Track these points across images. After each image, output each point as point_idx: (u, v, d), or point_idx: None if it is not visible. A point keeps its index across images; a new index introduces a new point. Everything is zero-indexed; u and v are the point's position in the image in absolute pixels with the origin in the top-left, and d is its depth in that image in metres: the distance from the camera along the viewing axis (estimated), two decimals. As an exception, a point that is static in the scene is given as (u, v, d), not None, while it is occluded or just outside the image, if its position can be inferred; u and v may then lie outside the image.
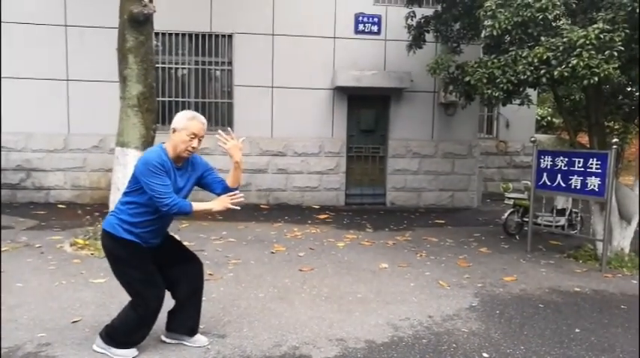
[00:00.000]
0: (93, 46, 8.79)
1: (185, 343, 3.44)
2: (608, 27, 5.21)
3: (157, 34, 8.03)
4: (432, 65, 7.02)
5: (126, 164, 6.00)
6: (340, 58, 9.69)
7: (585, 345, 3.72)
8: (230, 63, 9.53)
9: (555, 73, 5.30)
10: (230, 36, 9.45)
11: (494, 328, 3.99)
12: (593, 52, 5.13)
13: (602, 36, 5.12)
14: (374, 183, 10.16)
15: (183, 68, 9.52)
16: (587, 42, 5.13)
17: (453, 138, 10.18)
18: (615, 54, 5.12)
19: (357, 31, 9.78)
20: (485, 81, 6.01)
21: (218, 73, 9.67)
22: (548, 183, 6.42)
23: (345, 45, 9.71)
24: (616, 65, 5.14)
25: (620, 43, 5.14)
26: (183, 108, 9.46)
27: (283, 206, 9.59)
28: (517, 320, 4.18)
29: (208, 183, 3.29)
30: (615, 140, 5.83)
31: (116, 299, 4.13)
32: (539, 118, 16.91)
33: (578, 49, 5.18)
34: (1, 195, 8.67)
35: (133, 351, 3.25)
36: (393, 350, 3.52)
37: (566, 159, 6.19)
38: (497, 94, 5.95)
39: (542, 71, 5.50)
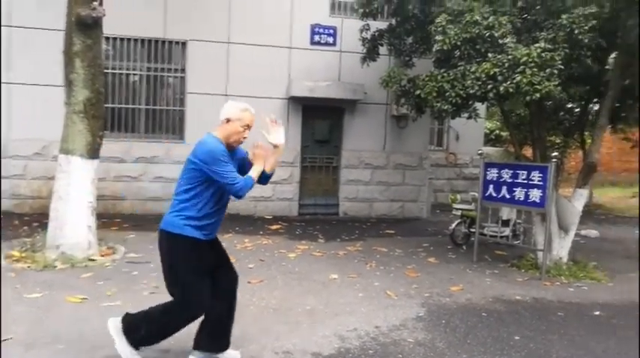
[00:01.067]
0: (37, 48, 8.44)
1: None
2: (549, 46, 5.48)
3: (107, 38, 7.78)
4: (384, 78, 7.14)
5: (69, 172, 5.78)
6: (295, 68, 9.72)
7: (524, 352, 3.84)
8: (183, 70, 9.37)
9: (501, 88, 5.50)
10: (184, 43, 9.30)
11: (439, 337, 4.06)
12: (535, 70, 5.37)
13: (543, 55, 5.36)
14: (327, 193, 10.20)
15: (134, 74, 9.27)
16: (530, 60, 5.37)
17: (404, 149, 10.37)
18: (555, 72, 5.37)
19: (312, 42, 9.84)
20: (435, 94, 6.17)
21: (170, 79, 9.49)
22: (494, 195, 6.63)
23: (301, 55, 9.75)
24: (556, 83, 5.40)
25: (559, 62, 5.40)
26: (133, 115, 9.23)
27: (235, 216, 9.46)
28: (461, 330, 4.27)
29: (247, 170, 3.22)
30: (555, 154, 6.10)
31: (52, 313, 3.94)
32: (488, 131, 17.52)
33: (522, 67, 5.41)
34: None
35: (135, 353, 3.11)
36: (339, 362, 3.52)
37: (511, 172, 6.42)
38: (446, 107, 6.12)
39: (490, 86, 5.70)
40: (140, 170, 9.14)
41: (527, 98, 5.40)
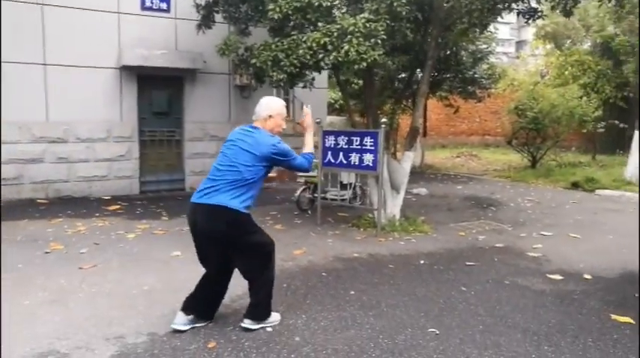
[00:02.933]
0: None
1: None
2: (372, 17, 5.77)
3: None
4: (221, 46, 6.94)
5: None
6: (126, 35, 8.98)
7: (358, 305, 4.12)
8: (-13, 34, 8.06)
9: (331, 57, 5.68)
10: (-16, 2, 7.98)
11: (279, 301, 4.14)
12: (361, 39, 5.63)
13: (368, 25, 5.64)
14: (171, 168, 9.77)
15: None
16: (356, 29, 5.61)
17: (249, 120, 10.24)
18: (379, 42, 5.70)
19: (143, 7, 9.17)
20: (270, 63, 6.16)
21: (-29, 45, 8.11)
22: (333, 161, 6.94)
23: (132, 21, 9.02)
24: (381, 52, 5.74)
25: (382, 32, 5.73)
26: None
27: (66, 199, 8.60)
28: (302, 291, 4.42)
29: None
30: (384, 120, 6.55)
31: None
32: (333, 101, 18.26)
33: (349, 36, 5.63)
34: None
35: (277, 315, 3.72)
36: (176, 339, 3.41)
37: (346, 138, 6.75)
38: (281, 77, 6.16)
39: (321, 55, 5.85)
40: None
41: (356, 67, 5.66)
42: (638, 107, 9.11)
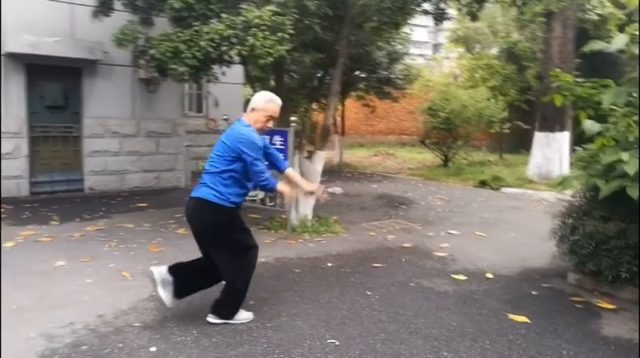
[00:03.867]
0: None
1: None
2: (280, 10, 5.52)
3: None
4: (117, 36, 6.37)
5: None
6: (10, 18, 8.05)
7: (257, 316, 3.85)
8: None
9: (234, 51, 5.36)
10: None
11: (170, 316, 3.79)
12: (267, 33, 5.36)
13: (275, 18, 5.38)
14: (68, 167, 8.95)
15: None
16: (262, 22, 5.33)
17: (156, 116, 9.71)
18: (287, 36, 5.46)
19: (32, -12, 8.27)
20: (169, 55, 5.72)
21: None
22: (241, 160, 6.61)
23: (15, 3, 8.09)
24: (288, 47, 5.50)
25: (290, 27, 5.50)
26: None
27: (-61, 202, 7.60)
28: (196, 303, 4.03)
29: (271, 159, 3.79)
30: (293, 118, 6.32)
31: None
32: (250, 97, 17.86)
33: (254, 29, 5.34)
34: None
35: (249, 314, 3.71)
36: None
37: (255, 137, 6.45)
38: (182, 70, 5.74)
39: (225, 48, 5.51)
40: None
41: (262, 61, 5.39)
42: (540, 111, 9.62)
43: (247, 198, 7.50)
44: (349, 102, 17.79)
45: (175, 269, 3.65)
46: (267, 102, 3.52)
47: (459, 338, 3.54)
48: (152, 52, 5.83)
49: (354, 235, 6.64)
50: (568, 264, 4.75)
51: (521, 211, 8.60)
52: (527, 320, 3.85)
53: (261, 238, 6.28)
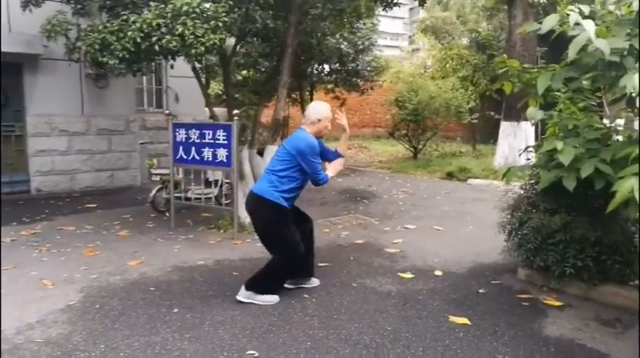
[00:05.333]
0: None
1: (304, 285, 4.27)
2: (213, -3, 5.19)
3: None
4: (45, 27, 5.96)
5: None
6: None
7: (177, 325, 3.56)
8: None
9: (164, 40, 5.01)
10: None
11: (81, 328, 3.48)
12: (198, 22, 5.02)
13: (206, 5, 5.05)
14: (12, 168, 8.50)
15: None
16: (192, 10, 4.99)
17: (107, 112, 9.29)
18: (220, 24, 5.13)
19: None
20: (97, 47, 5.35)
21: None
22: (185, 157, 6.28)
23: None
24: (222, 36, 5.17)
25: (224, 15, 5.17)
26: None
27: None
28: (115, 313, 3.76)
29: (323, 154, 4.13)
30: (236, 111, 6.00)
31: None
32: (220, 92, 17.39)
33: (184, 17, 5.00)
34: None
35: (276, 297, 3.97)
36: None
37: (198, 132, 6.12)
38: (112, 62, 5.37)
39: (155, 38, 5.16)
40: None
41: (193, 51, 5.05)
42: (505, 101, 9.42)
43: (202, 195, 7.23)
44: (321, 96, 17.46)
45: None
46: (329, 110, 4.05)
47: (390, 345, 3.28)
48: (79, 44, 5.44)
49: (306, 233, 6.35)
50: (518, 259, 4.53)
51: (484, 203, 8.40)
52: (468, 322, 3.62)
53: (207, 238, 6.00)
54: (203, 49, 4.99)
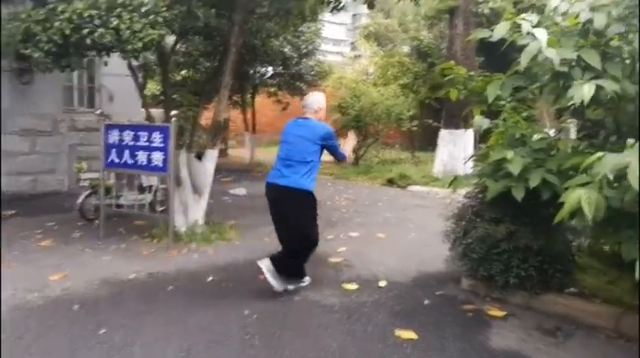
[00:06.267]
0: None
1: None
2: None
3: None
4: (-43, 14, 5.37)
5: None
6: None
7: (104, 347, 3.22)
8: None
9: (97, 34, 4.62)
10: None
11: (-11, 356, 3.07)
12: (136, 15, 4.68)
13: (144, -1, 4.71)
14: None
15: None
16: (129, 2, 4.64)
17: (31, 111, 8.58)
18: (160, 19, 4.80)
19: None
20: (20, 37, 4.87)
21: None
22: (117, 160, 5.87)
23: None
24: (162, 32, 4.85)
25: (164, 9, 4.85)
26: None
27: None
28: (31, 336, 3.36)
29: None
30: (174, 112, 5.67)
31: None
32: (156, 93, 16.68)
33: (120, 10, 4.64)
34: None
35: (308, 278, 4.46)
36: None
37: (132, 134, 5.73)
38: (37, 56, 4.90)
39: (86, 31, 4.74)
40: None
41: (130, 47, 4.69)
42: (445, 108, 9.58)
43: (134, 202, 6.78)
44: (264, 99, 17.20)
45: (275, 259, 4.19)
46: (325, 100, 4.46)
47: (335, 364, 3.12)
48: (-2, 34, 4.93)
49: (248, 242, 6.11)
50: (462, 268, 4.51)
51: (425, 209, 8.49)
52: (414, 336, 3.52)
53: (140, 249, 5.61)
54: (140, 45, 4.64)
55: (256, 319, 3.77)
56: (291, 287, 4.28)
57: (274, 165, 4.33)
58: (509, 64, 3.79)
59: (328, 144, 4.24)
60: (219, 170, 13.01)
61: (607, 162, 2.39)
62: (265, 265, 4.15)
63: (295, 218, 4.18)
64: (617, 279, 4.36)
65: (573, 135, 4.80)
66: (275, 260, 4.17)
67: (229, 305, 4.04)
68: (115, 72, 10.14)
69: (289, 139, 4.26)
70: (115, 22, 4.57)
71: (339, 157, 4.48)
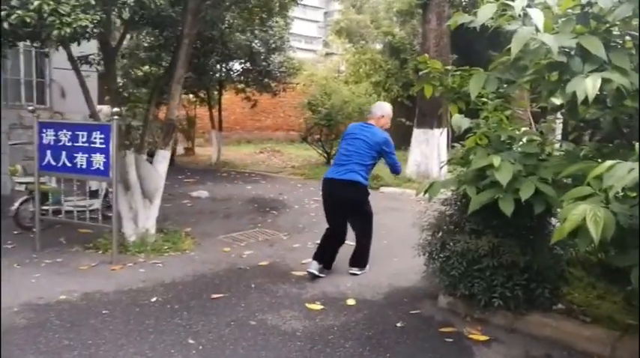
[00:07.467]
0: None
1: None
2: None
3: None
4: None
5: None
6: None
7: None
8: None
9: (14, 17, 3.96)
10: None
11: None
12: (64, -3, 4.03)
13: (74, -23, 4.07)
14: None
15: None
16: (54, -19, 3.99)
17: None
18: (93, 2, 4.17)
19: None
20: None
21: None
22: (53, 163, 5.19)
23: None
24: (97, 17, 4.21)
25: (100, -9, 4.22)
26: None
27: None
28: None
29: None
30: (116, 109, 5.02)
31: None
32: (120, 89, 15.80)
33: (43, -10, 3.99)
34: None
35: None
36: None
37: (70, 133, 5.07)
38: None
39: (3, 13, 4.07)
40: None
41: (55, 33, 4.04)
42: (418, 106, 9.17)
43: (81, 208, 6.11)
44: (231, 96, 16.51)
45: (320, 257, 4.70)
46: (390, 108, 4.97)
47: (292, 411, 2.59)
48: None
49: (204, 253, 5.52)
50: (440, 284, 4.03)
51: (398, 212, 8.05)
52: (387, 371, 3.02)
53: (79, 262, 4.97)
54: (69, 31, 3.99)
55: (202, 350, 3.21)
56: (359, 272, 4.76)
57: (334, 161, 4.86)
58: (486, 63, 3.34)
59: (384, 150, 4.68)
60: (182, 170, 12.51)
61: (620, 173, 1.92)
62: (315, 268, 4.58)
63: (353, 210, 4.76)
64: (606, 293, 3.98)
65: (558, 136, 4.39)
66: (319, 256, 4.68)
67: (171, 332, 3.46)
68: (67, 66, 9.44)
69: (352, 141, 4.70)
70: (36, 3, 3.91)
71: (393, 167, 4.87)
